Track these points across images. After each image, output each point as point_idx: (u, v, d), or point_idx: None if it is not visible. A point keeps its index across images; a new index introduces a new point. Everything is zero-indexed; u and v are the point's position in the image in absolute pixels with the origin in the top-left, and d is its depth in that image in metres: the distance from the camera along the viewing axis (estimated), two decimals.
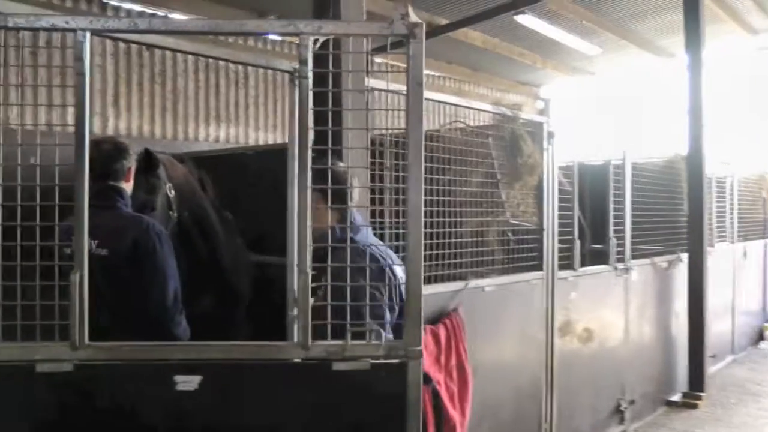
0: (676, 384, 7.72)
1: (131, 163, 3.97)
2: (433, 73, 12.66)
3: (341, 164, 3.27)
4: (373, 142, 3.68)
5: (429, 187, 4.32)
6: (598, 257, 6.61)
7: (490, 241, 4.89)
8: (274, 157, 3.62)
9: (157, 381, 2.75)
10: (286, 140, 3.59)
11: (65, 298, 2.68)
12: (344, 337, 2.79)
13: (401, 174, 3.99)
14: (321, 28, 2.79)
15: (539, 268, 5.40)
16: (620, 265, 6.60)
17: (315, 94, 2.87)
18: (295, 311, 2.95)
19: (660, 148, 8.47)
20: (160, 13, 8.87)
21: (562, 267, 5.68)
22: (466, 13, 10.38)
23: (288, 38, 9.64)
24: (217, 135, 9.09)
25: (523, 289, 5.23)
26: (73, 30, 2.71)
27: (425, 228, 4.13)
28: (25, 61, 6.84)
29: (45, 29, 2.76)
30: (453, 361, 4.32)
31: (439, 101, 4.62)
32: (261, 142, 9.38)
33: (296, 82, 2.86)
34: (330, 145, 2.93)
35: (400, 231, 3.79)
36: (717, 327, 8.63)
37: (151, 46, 7.93)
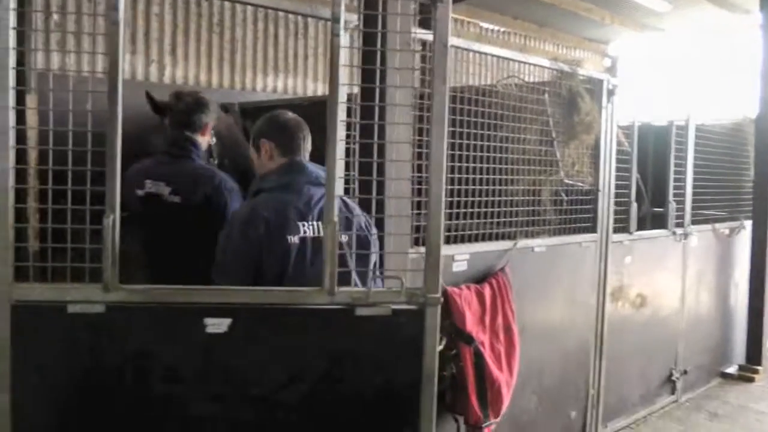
0: (733, 356, 7.52)
1: (210, 119, 4.05)
2: (498, 27, 12.41)
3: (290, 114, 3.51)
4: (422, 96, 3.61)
5: (481, 143, 4.25)
6: (657, 221, 6.41)
7: (543, 200, 4.77)
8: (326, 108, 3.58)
9: (187, 323, 2.82)
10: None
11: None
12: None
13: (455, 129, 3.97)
14: None
15: (593, 230, 5.27)
16: (679, 230, 6.39)
17: (366, 53, 3.15)
18: None
19: (728, 111, 8.14)
20: None
21: (617, 230, 5.53)
22: None
23: None
24: (275, 85, 9.05)
25: (574, 251, 5.10)
26: None
27: (475, 185, 4.12)
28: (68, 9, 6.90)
29: None
30: (499, 321, 4.25)
31: (492, 54, 4.47)
32: (319, 93, 9.32)
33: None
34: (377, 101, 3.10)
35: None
36: None
37: None
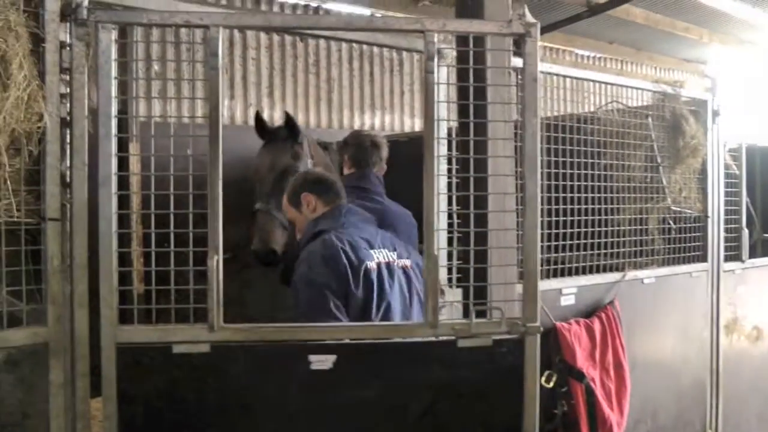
0: None
1: None
2: (594, 54, 12.20)
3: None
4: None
5: (584, 171, 4.14)
6: None
7: (650, 229, 4.59)
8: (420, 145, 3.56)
9: (292, 360, 2.85)
10: None
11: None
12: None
13: (548, 158, 3.87)
14: (445, 25, 2.94)
15: (703, 259, 5.04)
16: None
17: (462, 88, 3.21)
18: None
19: None
20: (317, 4, 8.97)
21: (728, 258, 5.27)
22: None
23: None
24: (372, 122, 9.09)
25: (684, 281, 4.88)
26: (206, 26, 2.75)
27: (580, 216, 4.01)
28: (167, 56, 7.09)
29: (179, 26, 2.82)
30: (609, 358, 4.09)
31: (592, 80, 4.36)
32: (417, 129, 9.32)
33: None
34: (472, 135, 3.17)
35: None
36: None
37: (304, 35, 8.08)
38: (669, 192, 4.68)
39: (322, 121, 8.64)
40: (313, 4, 8.72)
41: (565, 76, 4.26)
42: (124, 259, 3.05)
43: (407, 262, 3.50)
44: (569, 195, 4.04)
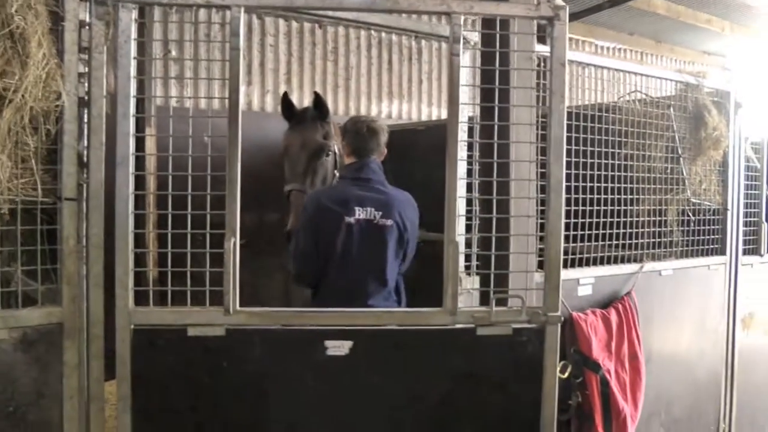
0: None
1: None
2: (614, 45, 12.11)
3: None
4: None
5: (605, 161, 4.09)
6: None
7: (669, 221, 4.54)
8: (440, 133, 3.53)
9: (308, 346, 2.84)
10: None
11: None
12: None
13: (569, 147, 3.83)
14: (472, 7, 2.94)
15: (721, 252, 4.98)
16: None
17: (486, 72, 3.18)
18: None
19: None
20: None
21: (746, 252, 5.22)
22: None
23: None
24: (390, 110, 9.05)
25: (702, 274, 4.82)
26: (228, 7, 2.73)
27: (599, 206, 3.97)
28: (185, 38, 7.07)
29: (200, 5, 2.81)
30: (625, 349, 4.04)
31: (616, 69, 4.30)
32: (434, 117, 9.29)
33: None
34: (496, 120, 3.12)
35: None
36: None
37: (324, 21, 8.04)
38: (689, 184, 4.62)
39: (339, 109, 8.62)
40: None
41: (587, 65, 4.20)
42: (140, 241, 3.03)
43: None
44: (589, 185, 4.00)
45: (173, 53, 6.79)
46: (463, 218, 3.58)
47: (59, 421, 2.79)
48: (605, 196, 4.09)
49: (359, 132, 4.16)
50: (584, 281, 3.99)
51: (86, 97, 2.75)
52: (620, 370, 4.00)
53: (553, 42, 2.96)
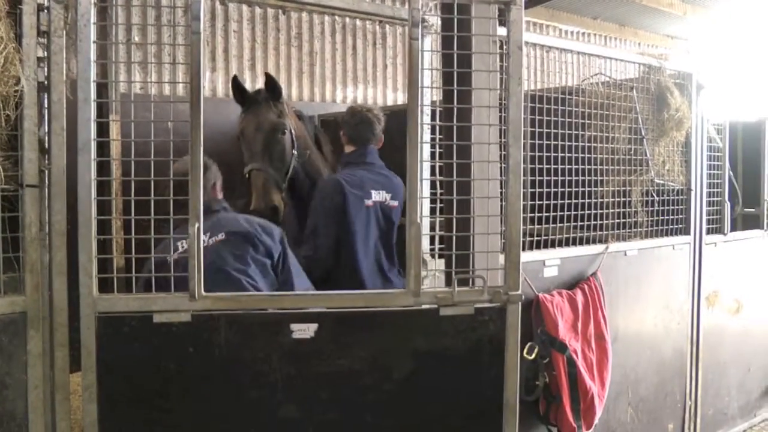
0: None
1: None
2: (577, 29, 12.17)
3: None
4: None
5: (568, 143, 4.12)
6: (751, 222, 6.11)
7: (633, 201, 4.58)
8: (404, 118, 3.56)
9: (274, 329, 2.85)
10: None
11: None
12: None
13: (532, 130, 3.85)
14: None
15: (686, 231, 5.04)
16: None
17: (446, 56, 3.20)
18: None
19: None
20: None
21: (710, 231, 5.30)
22: None
23: None
24: (354, 96, 9.05)
25: (667, 254, 4.89)
26: None
27: (563, 187, 3.99)
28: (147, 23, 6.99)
29: None
30: (591, 329, 4.09)
31: (578, 51, 4.33)
32: (399, 102, 9.29)
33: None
34: (455, 103, 3.12)
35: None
36: None
37: (287, 7, 7.98)
38: (653, 165, 4.67)
39: (304, 95, 8.59)
40: None
41: (550, 47, 4.23)
42: (103, 228, 3.00)
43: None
44: (553, 167, 4.02)
45: (135, 38, 6.72)
46: (428, 200, 3.60)
47: (24, 411, 2.76)
48: (570, 178, 4.12)
49: (358, 122, 4.44)
50: (550, 263, 4.02)
51: (46, 82, 2.71)
52: (587, 350, 4.04)
53: (509, 26, 2.99)
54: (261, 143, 4.48)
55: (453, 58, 3.12)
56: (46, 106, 2.72)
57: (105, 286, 2.81)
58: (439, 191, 3.52)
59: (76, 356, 2.78)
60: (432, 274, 3.50)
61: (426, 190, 3.51)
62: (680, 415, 5.07)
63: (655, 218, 4.80)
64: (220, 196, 3.68)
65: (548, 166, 3.98)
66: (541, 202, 3.96)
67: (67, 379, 2.82)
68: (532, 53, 3.23)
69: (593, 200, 4.31)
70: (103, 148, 2.91)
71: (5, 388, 2.72)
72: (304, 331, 2.82)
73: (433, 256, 3.57)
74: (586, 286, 4.12)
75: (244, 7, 7.97)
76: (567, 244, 4.17)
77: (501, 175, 3.37)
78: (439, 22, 3.45)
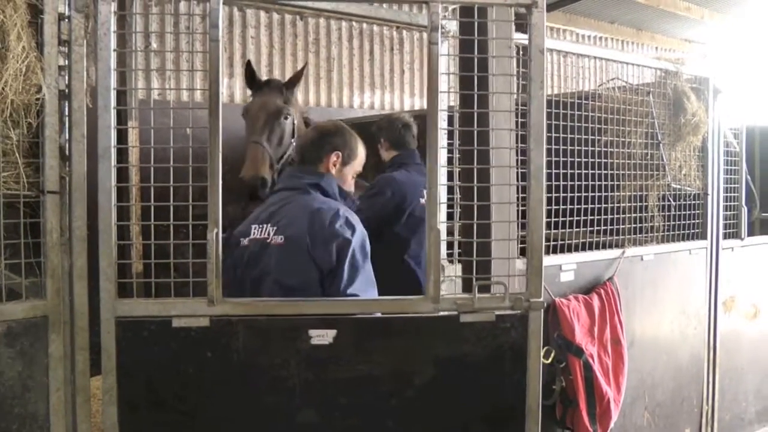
0: None
1: None
2: (594, 33, 12.17)
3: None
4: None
5: (585, 148, 4.11)
6: (766, 227, 6.09)
7: (650, 206, 4.57)
8: (423, 123, 3.58)
9: (292, 335, 2.85)
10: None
11: None
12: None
13: (549, 135, 3.86)
14: None
15: (702, 236, 5.01)
16: None
17: (464, 60, 3.18)
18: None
19: None
20: None
21: (727, 236, 5.26)
22: None
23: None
24: (371, 101, 9.08)
25: (684, 258, 4.87)
26: None
27: (580, 192, 3.99)
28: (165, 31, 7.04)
29: None
30: (607, 334, 4.08)
31: (595, 56, 4.34)
32: (417, 108, 9.30)
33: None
34: (476, 108, 3.13)
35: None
36: None
37: (305, 12, 8.02)
38: (669, 169, 4.66)
39: (321, 100, 8.63)
40: None
41: (567, 53, 4.23)
42: (123, 234, 3.03)
43: None
44: (569, 172, 4.03)
45: (154, 46, 6.78)
46: (445, 206, 3.60)
47: (45, 413, 2.79)
48: (586, 183, 4.12)
49: (398, 128, 4.79)
50: (566, 267, 4.02)
51: (67, 90, 2.75)
52: (603, 355, 4.04)
53: (531, 29, 2.97)
54: (262, 121, 4.63)
55: (472, 62, 3.12)
56: (66, 113, 2.76)
57: (124, 290, 2.84)
58: (456, 196, 3.53)
59: (96, 360, 2.82)
60: (449, 279, 3.50)
61: (444, 195, 3.52)
62: (697, 420, 5.05)
63: (672, 223, 4.78)
64: (333, 171, 3.39)
65: (565, 171, 3.99)
66: (557, 207, 3.96)
67: (88, 382, 2.86)
68: (550, 58, 3.24)
69: (610, 205, 4.30)
70: (122, 155, 2.94)
71: (27, 390, 2.75)
72: (322, 337, 2.82)
73: (451, 261, 3.58)
74: (602, 291, 4.11)
75: (262, 13, 8.02)
76: (583, 249, 4.17)
77: (518, 180, 3.38)
78: (456, 28, 3.46)
